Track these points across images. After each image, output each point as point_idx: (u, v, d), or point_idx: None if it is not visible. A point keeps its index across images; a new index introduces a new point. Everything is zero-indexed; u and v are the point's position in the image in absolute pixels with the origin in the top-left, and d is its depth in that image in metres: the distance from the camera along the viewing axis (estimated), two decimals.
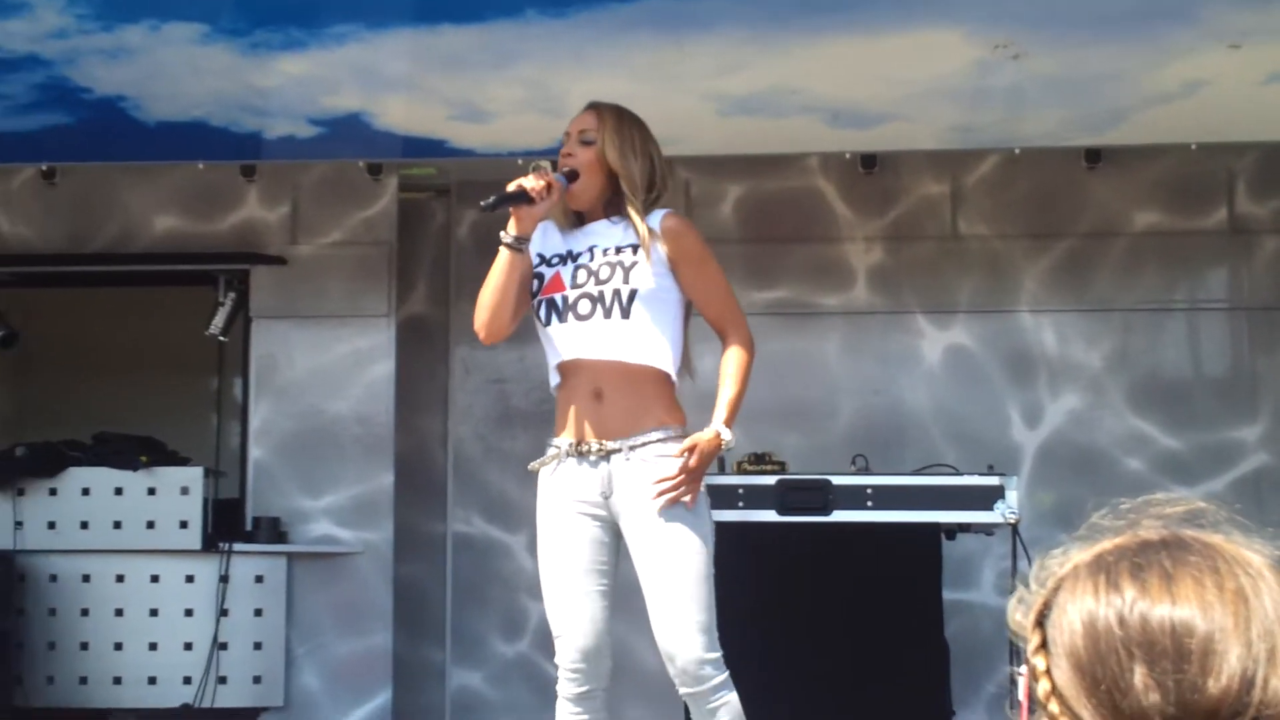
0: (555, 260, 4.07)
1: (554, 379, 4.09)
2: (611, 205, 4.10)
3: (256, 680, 6.85)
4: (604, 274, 3.99)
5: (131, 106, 6.18)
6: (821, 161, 7.23)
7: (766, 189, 7.31)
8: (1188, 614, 1.29)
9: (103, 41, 5.63)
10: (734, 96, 6.04)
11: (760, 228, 7.29)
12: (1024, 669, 1.38)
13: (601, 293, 3.98)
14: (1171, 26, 5.45)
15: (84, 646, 6.78)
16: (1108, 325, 7.12)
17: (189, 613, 6.81)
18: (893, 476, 5.56)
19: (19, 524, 6.80)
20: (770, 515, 5.35)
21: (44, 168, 7.21)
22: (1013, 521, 5.25)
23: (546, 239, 4.10)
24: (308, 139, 6.51)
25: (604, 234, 4.07)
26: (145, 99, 6.14)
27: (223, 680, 6.75)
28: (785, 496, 5.36)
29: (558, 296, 4.02)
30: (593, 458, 3.96)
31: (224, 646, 6.76)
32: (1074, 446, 7.01)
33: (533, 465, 4.08)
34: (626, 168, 4.05)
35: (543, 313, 4.05)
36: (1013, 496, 5.27)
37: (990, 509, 5.27)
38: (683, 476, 3.86)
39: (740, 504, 5.36)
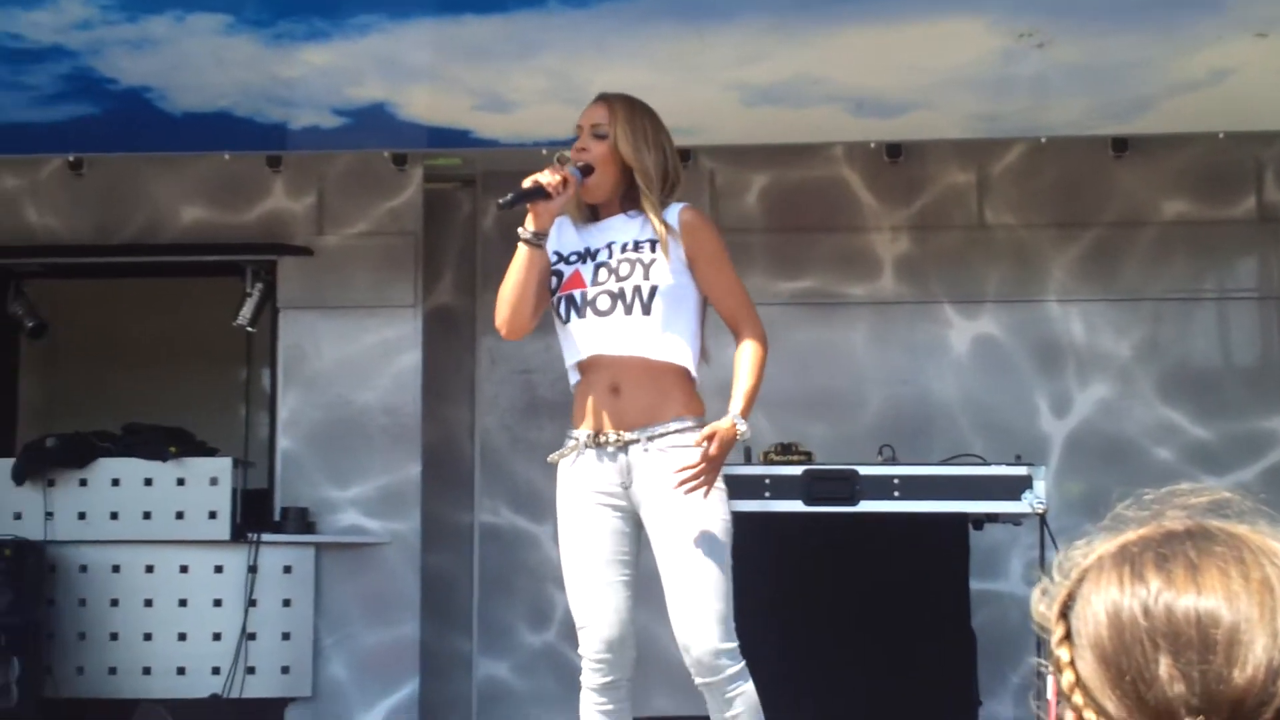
0: (573, 257, 4.07)
1: (573, 377, 4.09)
2: (627, 199, 4.10)
3: (285, 670, 6.87)
4: (624, 270, 3.99)
5: (157, 97, 6.20)
6: (846, 151, 7.21)
7: (791, 179, 7.29)
8: (1213, 604, 1.28)
9: (127, 32, 5.65)
10: (757, 86, 6.03)
11: (785, 218, 7.28)
12: (1048, 662, 1.38)
13: (622, 289, 3.98)
14: (1197, 14, 5.43)
15: (113, 637, 6.81)
16: (1136, 315, 7.10)
17: (218, 603, 6.84)
18: (920, 467, 5.55)
19: (49, 515, 6.85)
20: (797, 505, 5.34)
21: (71, 159, 7.25)
22: (1040, 512, 5.22)
23: (562, 235, 4.09)
24: (332, 129, 6.53)
25: (621, 229, 4.07)
26: (170, 90, 6.17)
27: (251, 670, 6.78)
28: (812, 487, 5.35)
29: (577, 293, 4.02)
30: (611, 449, 3.96)
31: (252, 637, 6.79)
32: (1103, 436, 6.99)
33: (552, 457, 4.08)
34: (641, 161, 4.05)
35: (562, 310, 4.04)
36: (1040, 487, 5.24)
37: (1018, 499, 5.25)
38: (703, 465, 3.85)
39: (767, 494, 5.35)
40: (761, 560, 5.38)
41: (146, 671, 6.79)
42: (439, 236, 7.53)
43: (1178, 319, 7.11)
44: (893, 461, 5.64)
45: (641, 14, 5.44)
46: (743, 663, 3.92)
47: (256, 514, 7.01)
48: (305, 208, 7.37)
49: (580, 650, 4.01)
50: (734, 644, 3.91)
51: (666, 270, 3.98)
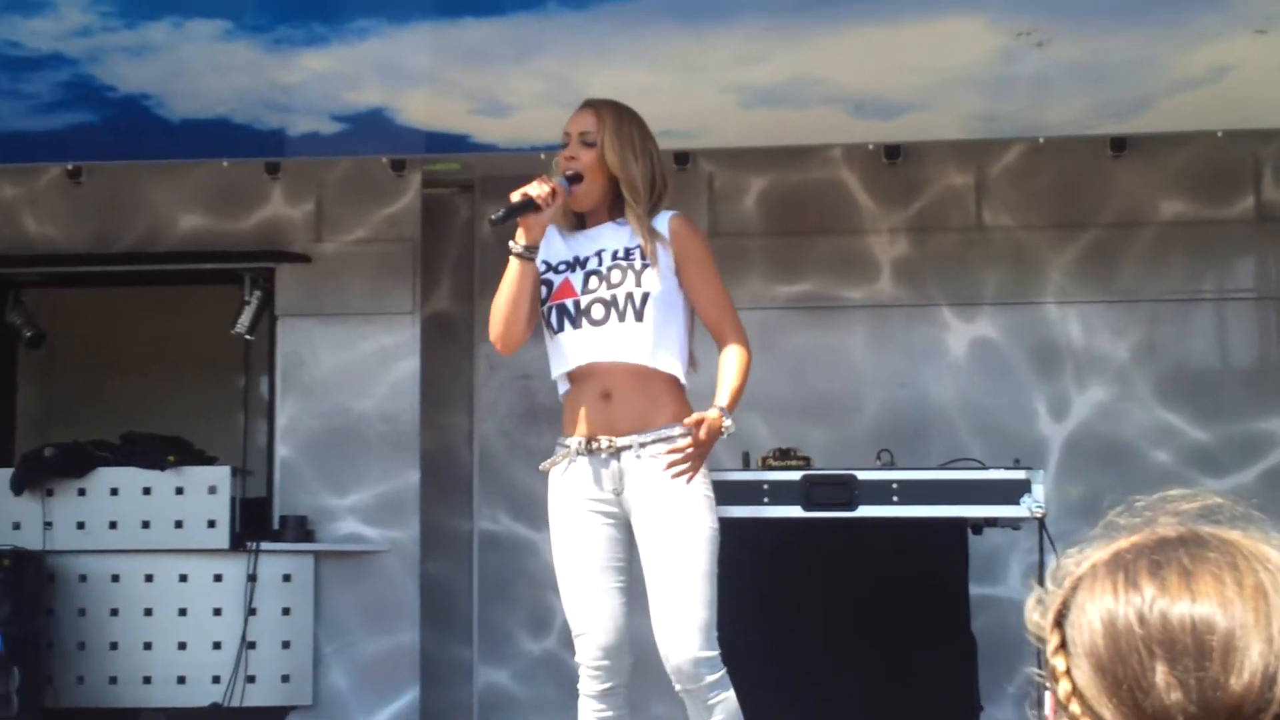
0: (562, 266, 4.07)
1: (563, 386, 4.09)
2: (615, 206, 4.10)
3: (285, 679, 6.87)
4: (615, 277, 3.99)
5: (155, 104, 6.20)
6: (845, 153, 7.20)
7: (789, 181, 7.29)
8: (1208, 611, 1.27)
9: (126, 39, 5.65)
10: (755, 88, 6.03)
11: (783, 220, 7.27)
12: (1045, 673, 1.37)
13: (614, 296, 3.98)
14: (1197, 11, 5.42)
15: (113, 646, 6.82)
16: (1134, 316, 7.08)
17: (217, 612, 6.84)
18: (918, 471, 5.53)
19: (48, 524, 6.85)
20: (795, 511, 5.33)
21: (70, 167, 7.26)
22: (1039, 516, 5.21)
23: (550, 244, 4.09)
24: (331, 135, 6.53)
25: (610, 236, 4.07)
26: (169, 96, 6.16)
27: (251, 679, 6.78)
28: (810, 492, 5.33)
29: (569, 302, 4.02)
30: (603, 455, 3.96)
31: (252, 645, 6.80)
32: (1101, 439, 6.97)
33: (544, 465, 4.09)
34: (628, 172, 4.04)
35: (554, 319, 4.04)
36: (1039, 490, 5.23)
37: (1016, 503, 5.23)
38: (690, 449, 3.83)
39: (765, 500, 5.34)
40: (760, 566, 5.38)
41: (147, 681, 6.80)
42: (437, 242, 7.52)
43: (1176, 320, 7.09)
44: (891, 466, 5.64)
45: (640, 16, 5.44)
46: (723, 671, 3.92)
47: (255, 522, 7.01)
48: (304, 214, 7.36)
49: (577, 657, 4.01)
50: (715, 652, 3.90)
51: (657, 277, 3.98)
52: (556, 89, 5.86)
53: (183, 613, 6.85)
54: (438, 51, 5.88)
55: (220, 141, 6.60)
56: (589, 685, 3.99)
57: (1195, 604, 1.28)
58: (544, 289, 4.07)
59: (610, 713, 3.99)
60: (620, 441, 3.95)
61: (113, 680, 6.80)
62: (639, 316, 3.96)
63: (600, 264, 4.03)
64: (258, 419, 7.95)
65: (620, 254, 4.02)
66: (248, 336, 7.29)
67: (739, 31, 5.60)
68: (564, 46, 5.70)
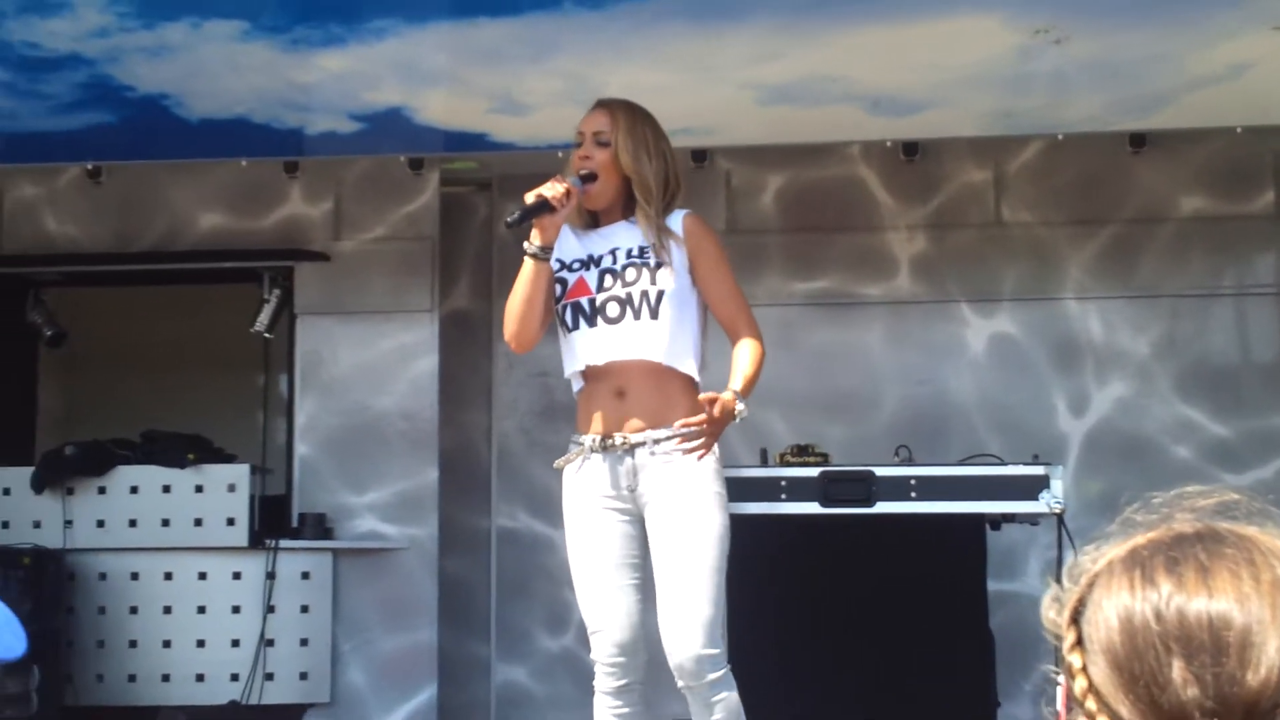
0: (576, 265, 4.07)
1: (577, 384, 4.09)
2: (629, 205, 4.10)
3: (303, 677, 6.88)
4: (630, 276, 4.00)
5: (174, 104, 6.22)
6: (862, 150, 7.20)
7: (807, 178, 7.28)
8: (1224, 607, 1.27)
9: (144, 39, 5.66)
10: (772, 85, 6.02)
11: (802, 218, 7.26)
12: (1060, 669, 1.37)
13: (629, 294, 3.98)
14: (1215, 8, 5.41)
15: (132, 644, 6.83)
16: (1154, 312, 7.06)
17: (236, 609, 6.85)
18: (936, 467, 5.53)
19: (68, 523, 6.87)
20: (813, 507, 5.32)
21: (89, 166, 7.28)
22: (1058, 511, 5.20)
23: (563, 243, 4.09)
24: (349, 134, 6.54)
25: (624, 235, 4.07)
26: (187, 96, 6.18)
27: (270, 677, 6.79)
28: (828, 488, 5.33)
29: (584, 300, 4.02)
30: (618, 452, 3.96)
31: (271, 643, 6.81)
32: (1121, 435, 6.96)
33: (558, 463, 4.09)
34: (640, 172, 4.05)
35: (569, 317, 4.04)
36: (1058, 486, 5.22)
37: (1035, 499, 5.22)
38: (705, 424, 3.80)
39: (783, 496, 5.33)
40: (778, 562, 5.38)
41: (165, 679, 6.81)
42: (455, 240, 7.53)
43: (1196, 316, 7.07)
44: (909, 462, 5.63)
45: (656, 14, 5.44)
46: (726, 669, 3.91)
47: (274, 520, 7.02)
48: (322, 213, 7.38)
49: (593, 655, 4.01)
50: (718, 650, 3.90)
51: (671, 275, 3.98)
52: (573, 88, 5.86)
53: (202, 610, 6.86)
54: (455, 51, 5.89)
55: (239, 141, 6.61)
56: (605, 682, 3.99)
57: (1212, 600, 1.28)
58: (558, 287, 4.07)
59: (626, 709, 3.98)
60: (635, 438, 3.95)
61: (132, 678, 6.81)
62: (654, 314, 3.97)
63: (615, 262, 4.03)
64: (277, 417, 7.97)
65: (635, 252, 4.03)
66: (267, 335, 7.31)
67: (755, 29, 5.59)
68: (580, 46, 5.71)
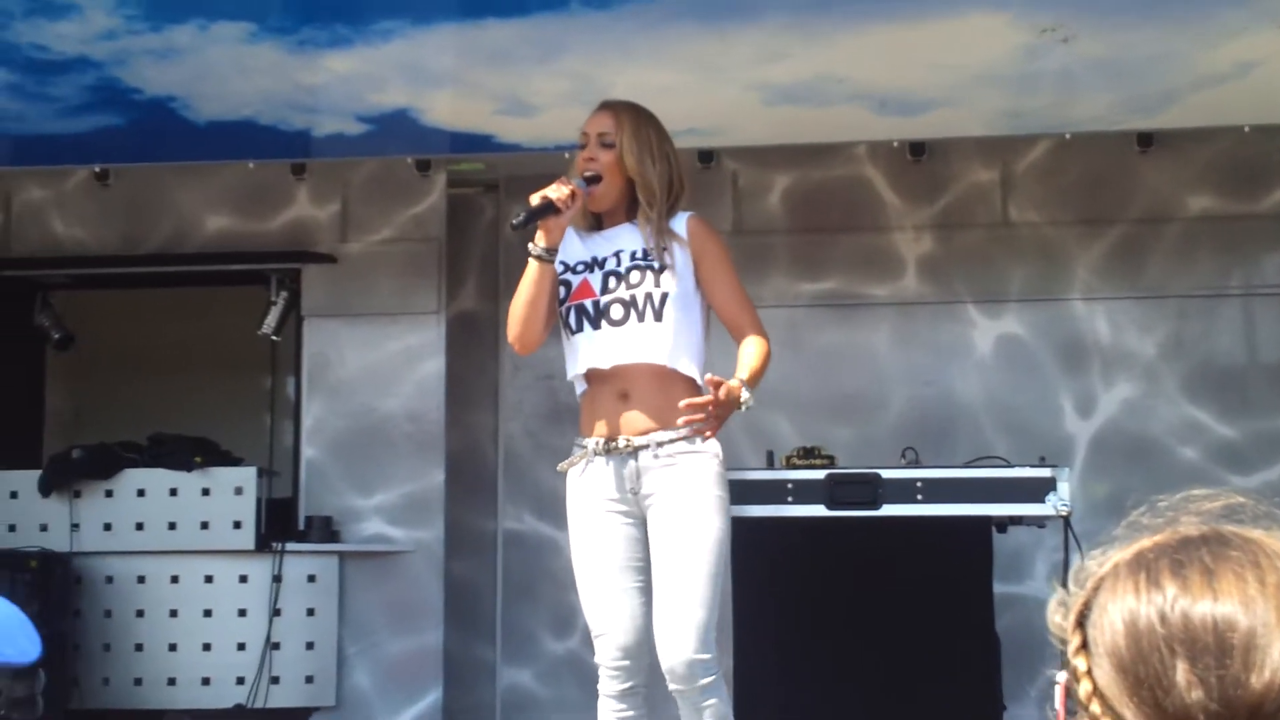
0: (580, 267, 4.07)
1: (580, 386, 4.08)
2: (632, 207, 4.10)
3: (309, 680, 6.88)
4: (634, 278, 4.00)
5: (181, 106, 6.22)
6: (869, 150, 7.19)
7: (814, 179, 7.28)
8: (1229, 609, 1.28)
9: (151, 42, 5.66)
10: (779, 86, 6.02)
11: (808, 218, 7.26)
12: (1060, 678, 1.37)
13: (634, 296, 3.98)
14: (1222, 7, 5.40)
15: (139, 648, 6.84)
16: (1161, 312, 7.05)
17: (242, 613, 6.86)
18: (943, 469, 5.52)
19: (75, 526, 6.87)
20: (819, 510, 5.32)
21: (97, 169, 7.28)
22: (1064, 514, 5.19)
23: (567, 245, 4.08)
24: (356, 136, 6.54)
25: (628, 238, 4.07)
26: (195, 99, 6.19)
27: (275, 680, 6.79)
28: (834, 491, 5.32)
29: (588, 303, 4.02)
30: (622, 455, 3.96)
31: (277, 646, 6.81)
32: (1128, 436, 6.95)
33: (561, 466, 4.09)
34: (644, 175, 4.04)
35: (573, 320, 4.04)
36: (1064, 488, 5.21)
37: (1042, 501, 5.22)
38: (710, 404, 3.77)
39: (789, 499, 5.33)
40: (784, 565, 5.37)
41: (171, 682, 6.82)
42: (462, 242, 7.54)
43: (1203, 316, 7.06)
44: (915, 464, 5.62)
45: (663, 15, 5.43)
46: (717, 674, 3.90)
47: (281, 523, 7.03)
48: (329, 215, 7.38)
49: (597, 658, 4.01)
50: (710, 655, 3.88)
51: (674, 279, 3.98)
52: (580, 89, 5.86)
53: (208, 614, 6.87)
54: (461, 52, 5.89)
55: (246, 143, 6.62)
56: (609, 685, 3.99)
57: (1217, 603, 1.28)
58: (562, 289, 4.07)
59: (630, 712, 3.98)
60: (638, 441, 3.95)
61: (138, 682, 6.82)
62: (658, 317, 3.96)
63: (619, 264, 4.03)
64: (284, 419, 7.98)
65: (639, 255, 4.02)
66: (274, 337, 7.31)
67: (761, 30, 5.59)
68: (587, 46, 5.71)
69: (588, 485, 4.01)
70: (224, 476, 6.93)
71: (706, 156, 7.08)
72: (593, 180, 4.04)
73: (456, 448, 7.28)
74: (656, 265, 4.00)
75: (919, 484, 5.32)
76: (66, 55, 5.77)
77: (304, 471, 7.19)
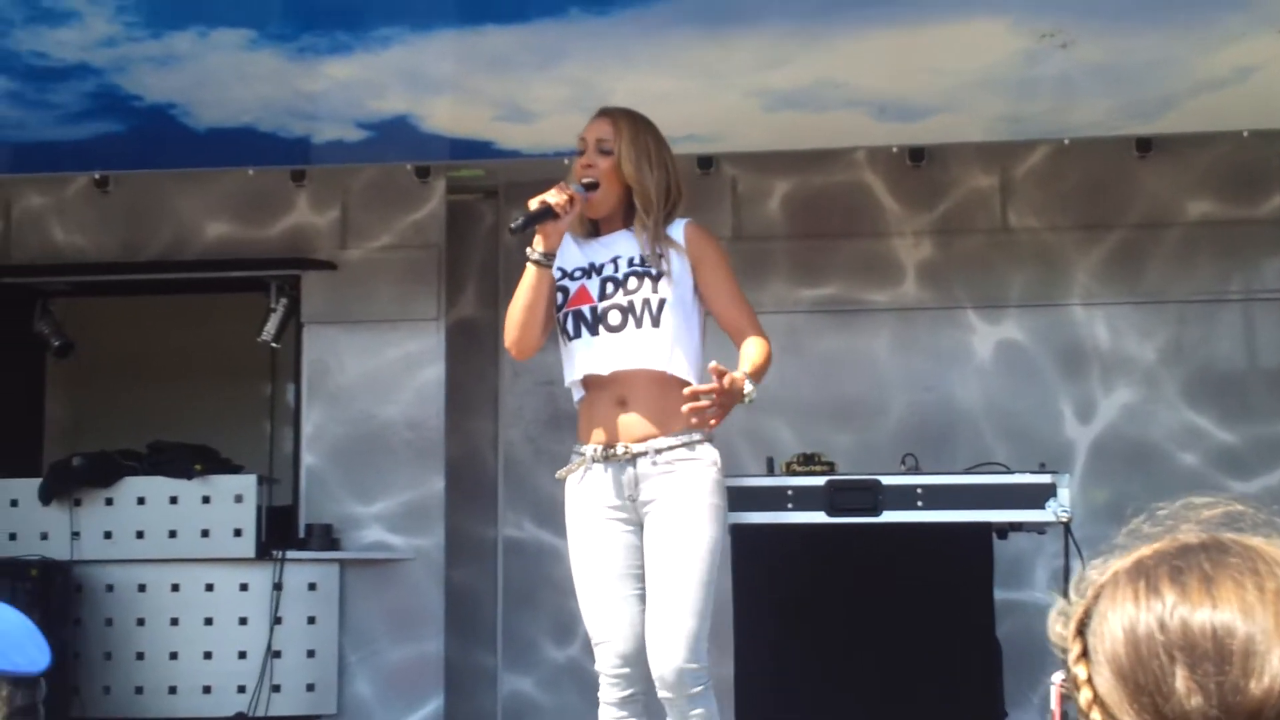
0: (578, 273, 4.08)
1: (578, 393, 4.08)
2: (630, 214, 4.11)
3: (310, 688, 6.87)
4: (632, 284, 4.00)
5: (181, 113, 6.23)
6: (868, 155, 7.19)
7: (813, 184, 7.27)
8: (1228, 616, 1.28)
9: (151, 49, 5.67)
10: (778, 91, 6.03)
11: (807, 224, 7.26)
12: (1056, 679, 1.38)
13: (631, 302, 3.98)
14: (1221, 11, 5.40)
15: (139, 656, 6.82)
16: (1161, 317, 7.05)
17: (243, 621, 6.84)
18: (943, 476, 5.51)
19: (76, 534, 6.87)
20: (820, 516, 5.32)
21: (97, 176, 7.30)
22: (1064, 520, 5.19)
23: (565, 252, 4.09)
24: (356, 143, 6.55)
25: (625, 244, 4.07)
26: (194, 105, 6.19)
27: (276, 689, 6.78)
28: (835, 497, 5.32)
29: (586, 309, 4.02)
30: (620, 462, 3.96)
31: (278, 655, 6.80)
32: (1128, 441, 6.94)
33: (560, 473, 4.09)
34: (642, 183, 4.05)
35: (570, 325, 4.04)
36: (1064, 494, 5.21)
37: (1042, 507, 5.21)
38: (715, 392, 3.75)
39: (789, 505, 5.33)
40: (784, 572, 5.37)
41: (172, 691, 6.80)
42: (462, 248, 7.53)
43: (1203, 321, 7.05)
44: (916, 471, 5.62)
45: (662, 21, 5.44)
46: (707, 684, 3.90)
47: (281, 531, 7.02)
48: (329, 222, 7.38)
49: (597, 666, 4.01)
50: (699, 665, 3.88)
51: (671, 285, 3.98)
52: (579, 95, 5.86)
53: (209, 622, 6.85)
54: (461, 59, 5.89)
55: (246, 150, 6.63)
56: (609, 693, 3.99)
57: (1216, 609, 1.28)
58: (560, 296, 4.07)
59: None
60: (636, 448, 3.95)
61: (139, 690, 6.80)
62: (656, 322, 3.97)
63: (617, 270, 4.03)
64: (284, 427, 7.97)
65: (637, 261, 4.03)
66: (274, 344, 7.31)
67: (761, 35, 5.59)
68: (586, 52, 5.71)
69: (587, 493, 4.01)
70: (224, 484, 6.93)
71: (706, 162, 7.08)
72: (591, 187, 4.05)
73: (456, 454, 7.27)
74: (654, 272, 4.00)
75: (919, 490, 5.31)
76: (66, 62, 5.77)
77: (304, 479, 7.19)
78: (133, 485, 6.95)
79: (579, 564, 4.03)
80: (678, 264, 4.03)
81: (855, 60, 5.76)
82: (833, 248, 7.24)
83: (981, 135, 6.63)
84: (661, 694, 3.90)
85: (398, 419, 7.17)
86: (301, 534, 7.04)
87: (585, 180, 4.05)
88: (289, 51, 5.74)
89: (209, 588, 6.88)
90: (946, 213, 7.21)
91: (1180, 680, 1.26)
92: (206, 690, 6.80)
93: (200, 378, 8.39)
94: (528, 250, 4.01)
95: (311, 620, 6.90)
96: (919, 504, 5.29)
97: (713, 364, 3.81)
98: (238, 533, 6.86)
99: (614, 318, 3.99)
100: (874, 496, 5.30)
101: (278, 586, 6.82)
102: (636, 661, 3.95)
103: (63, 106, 6.16)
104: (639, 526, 3.99)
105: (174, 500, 6.91)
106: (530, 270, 4.00)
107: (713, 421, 3.84)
